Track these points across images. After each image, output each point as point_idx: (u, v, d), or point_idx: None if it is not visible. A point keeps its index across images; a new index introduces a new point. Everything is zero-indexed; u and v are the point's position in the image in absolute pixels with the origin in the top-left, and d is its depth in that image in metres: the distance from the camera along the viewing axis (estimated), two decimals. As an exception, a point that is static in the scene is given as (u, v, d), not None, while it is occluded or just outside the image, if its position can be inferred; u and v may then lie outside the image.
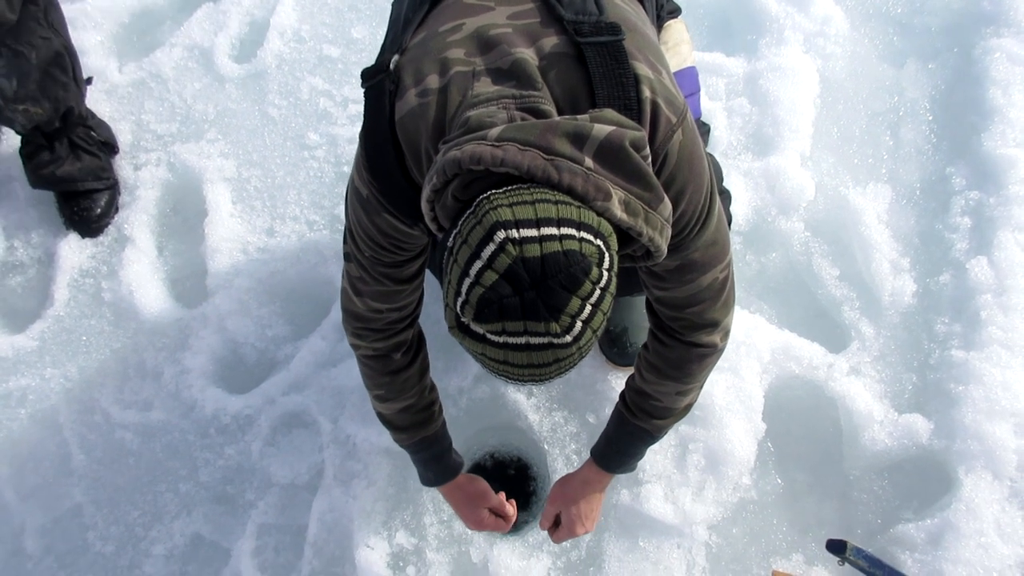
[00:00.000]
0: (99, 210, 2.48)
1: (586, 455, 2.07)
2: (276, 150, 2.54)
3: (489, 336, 0.95)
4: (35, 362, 2.38)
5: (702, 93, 1.99)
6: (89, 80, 2.55)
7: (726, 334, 1.44)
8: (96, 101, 2.68)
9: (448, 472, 1.71)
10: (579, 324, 0.94)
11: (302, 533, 2.08)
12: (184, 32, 2.75)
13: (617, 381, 2.08)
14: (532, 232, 0.91)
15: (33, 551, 2.20)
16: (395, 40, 1.30)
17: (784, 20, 2.46)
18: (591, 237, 0.94)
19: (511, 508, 1.75)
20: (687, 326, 1.39)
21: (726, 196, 1.77)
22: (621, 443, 1.62)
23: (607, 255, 0.95)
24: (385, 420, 1.64)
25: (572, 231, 0.92)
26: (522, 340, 0.94)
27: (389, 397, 1.57)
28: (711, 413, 1.99)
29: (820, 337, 2.11)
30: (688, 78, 1.76)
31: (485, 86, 1.10)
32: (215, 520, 2.16)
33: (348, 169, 2.46)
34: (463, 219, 0.96)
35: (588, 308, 0.94)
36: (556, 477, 2.05)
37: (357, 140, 2.50)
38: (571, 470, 2.04)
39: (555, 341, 0.93)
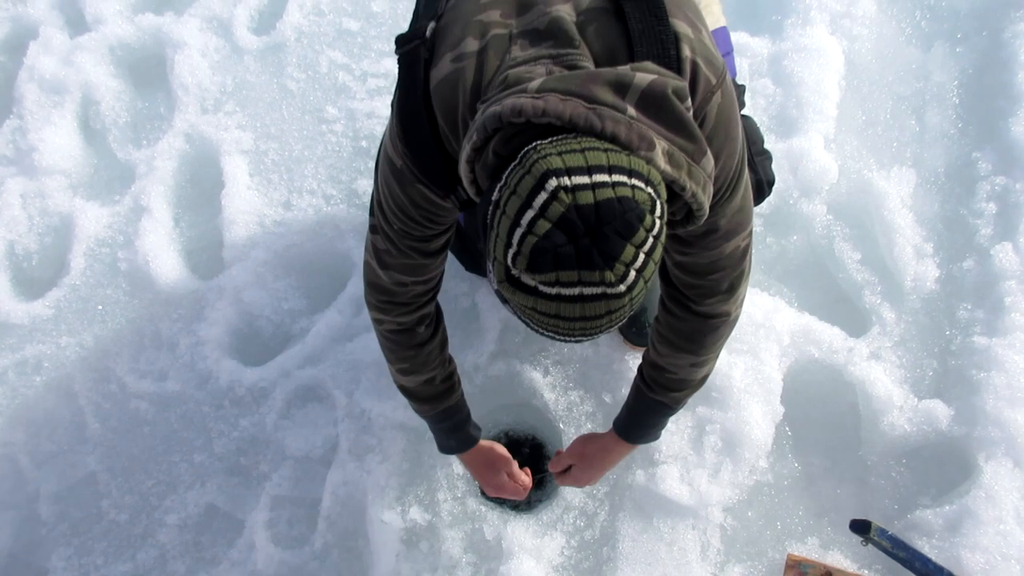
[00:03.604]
0: None
1: (602, 435, 2.07)
2: (294, 123, 2.52)
3: (541, 288, 0.92)
4: (51, 330, 2.38)
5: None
6: None
7: (739, 303, 1.42)
8: (114, 69, 2.67)
9: (470, 439, 1.73)
10: (632, 273, 0.92)
11: (316, 506, 2.09)
12: (203, 3, 2.72)
13: (634, 361, 2.06)
14: (584, 179, 0.88)
15: (47, 517, 2.21)
16: (429, 4, 1.28)
17: (810, 1, 2.42)
18: (642, 184, 0.92)
19: (527, 478, 1.79)
20: (703, 293, 1.36)
21: (767, 157, 1.75)
22: (640, 416, 1.63)
23: (658, 203, 0.93)
24: (407, 392, 1.63)
25: (624, 178, 0.90)
26: (575, 291, 0.91)
27: (413, 370, 1.56)
28: (729, 395, 1.97)
29: (840, 321, 2.09)
30: (721, 38, 1.75)
31: (522, 49, 1.08)
32: (229, 491, 2.16)
33: (366, 144, 2.45)
34: (509, 171, 0.94)
35: (641, 256, 0.92)
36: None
37: (374, 115, 2.51)
38: (586, 449, 2.04)
39: (608, 291, 0.91)
